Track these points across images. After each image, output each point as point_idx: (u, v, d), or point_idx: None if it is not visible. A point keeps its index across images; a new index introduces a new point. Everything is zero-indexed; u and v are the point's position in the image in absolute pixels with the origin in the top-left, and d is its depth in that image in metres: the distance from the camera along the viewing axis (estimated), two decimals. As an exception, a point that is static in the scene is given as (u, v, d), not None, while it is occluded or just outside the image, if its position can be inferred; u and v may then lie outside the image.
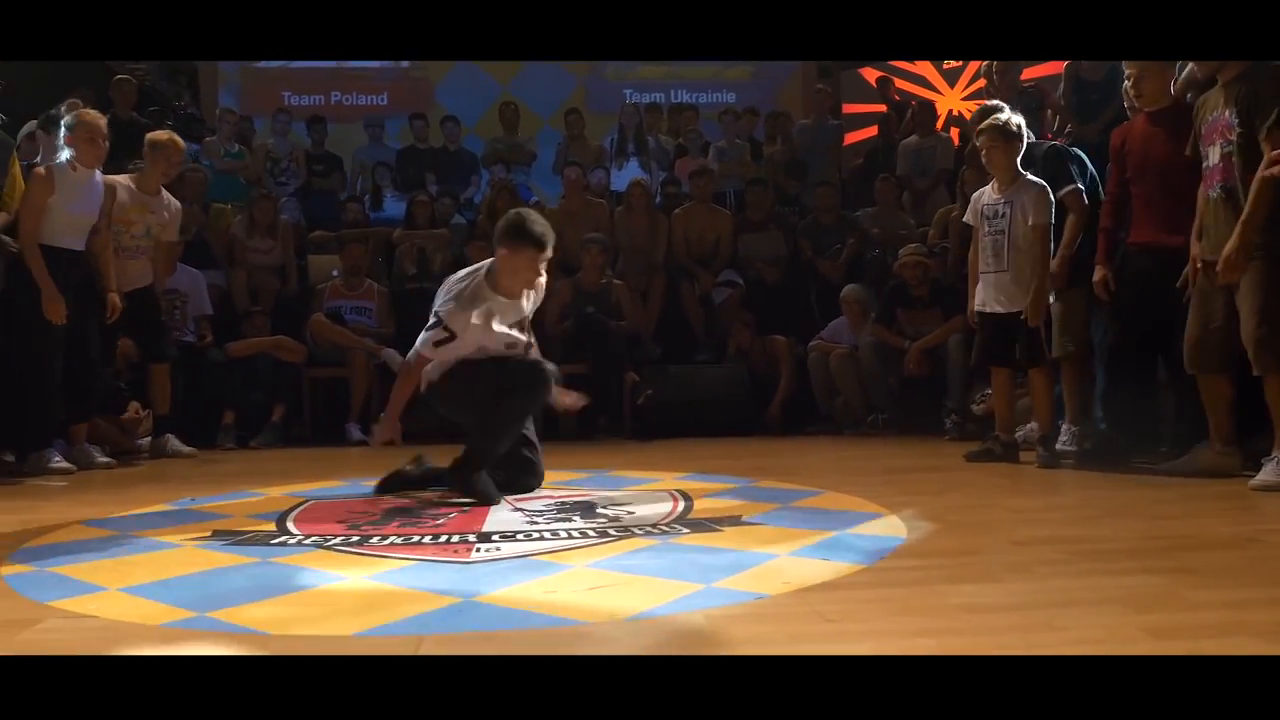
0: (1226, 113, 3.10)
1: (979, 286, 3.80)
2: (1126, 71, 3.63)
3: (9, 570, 2.12)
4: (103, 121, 4.25)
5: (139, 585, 1.95)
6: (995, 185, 3.76)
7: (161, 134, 4.72)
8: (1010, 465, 3.73)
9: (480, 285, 3.17)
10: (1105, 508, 2.79)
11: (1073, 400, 3.85)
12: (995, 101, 4.12)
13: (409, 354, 3.25)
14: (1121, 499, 2.93)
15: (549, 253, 3.22)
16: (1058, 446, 3.76)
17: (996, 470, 3.65)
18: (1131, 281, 3.58)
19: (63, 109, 4.47)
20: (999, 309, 3.71)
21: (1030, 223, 3.61)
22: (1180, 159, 3.34)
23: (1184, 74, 3.58)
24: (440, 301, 3.21)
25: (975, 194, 3.90)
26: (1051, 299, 3.73)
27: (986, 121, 3.77)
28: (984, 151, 3.74)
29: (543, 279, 3.32)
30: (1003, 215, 3.69)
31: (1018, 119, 3.71)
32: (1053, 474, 3.52)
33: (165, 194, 4.67)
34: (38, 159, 4.28)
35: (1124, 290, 3.61)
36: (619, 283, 5.85)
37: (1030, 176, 3.71)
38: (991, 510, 2.77)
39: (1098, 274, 3.62)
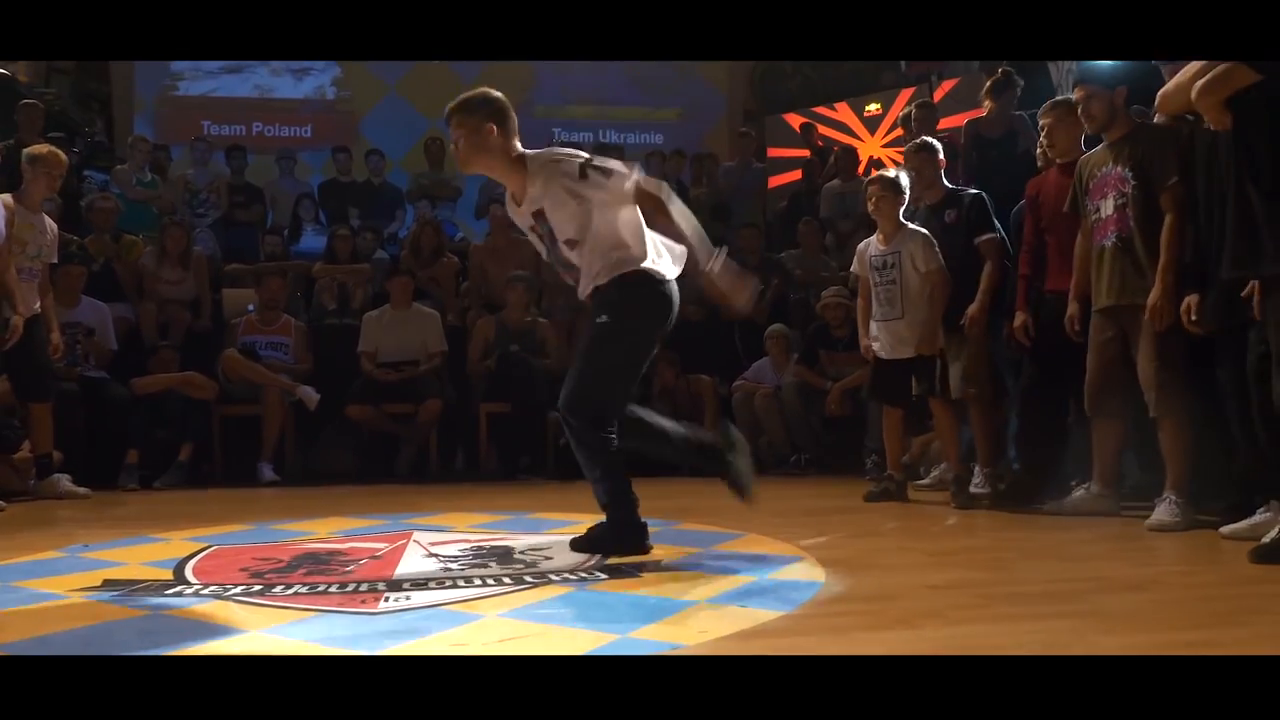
0: (1118, 168, 3.27)
1: (873, 331, 3.98)
2: (1041, 123, 3.77)
3: None
4: None
5: (12, 643, 1.81)
6: (880, 237, 3.95)
7: (40, 147, 4.53)
8: (925, 506, 3.80)
9: None
10: (1017, 549, 2.83)
11: (984, 444, 3.93)
12: (929, 140, 4.24)
13: (632, 180, 2.59)
14: (1033, 540, 2.99)
15: None
16: (972, 489, 3.84)
17: (912, 510, 3.70)
18: (1047, 327, 3.68)
19: None
20: (894, 354, 3.88)
21: (923, 270, 3.81)
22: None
23: None
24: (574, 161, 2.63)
25: (860, 246, 4.10)
26: (958, 342, 3.87)
27: (878, 173, 4.02)
28: (873, 201, 3.92)
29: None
30: (892, 265, 3.88)
31: (905, 176, 3.94)
32: (968, 516, 3.57)
33: (43, 214, 4.49)
34: None
35: (1040, 335, 3.71)
36: (543, 320, 5.81)
37: (912, 226, 3.91)
38: (908, 553, 2.80)
39: (1018, 319, 3.72)
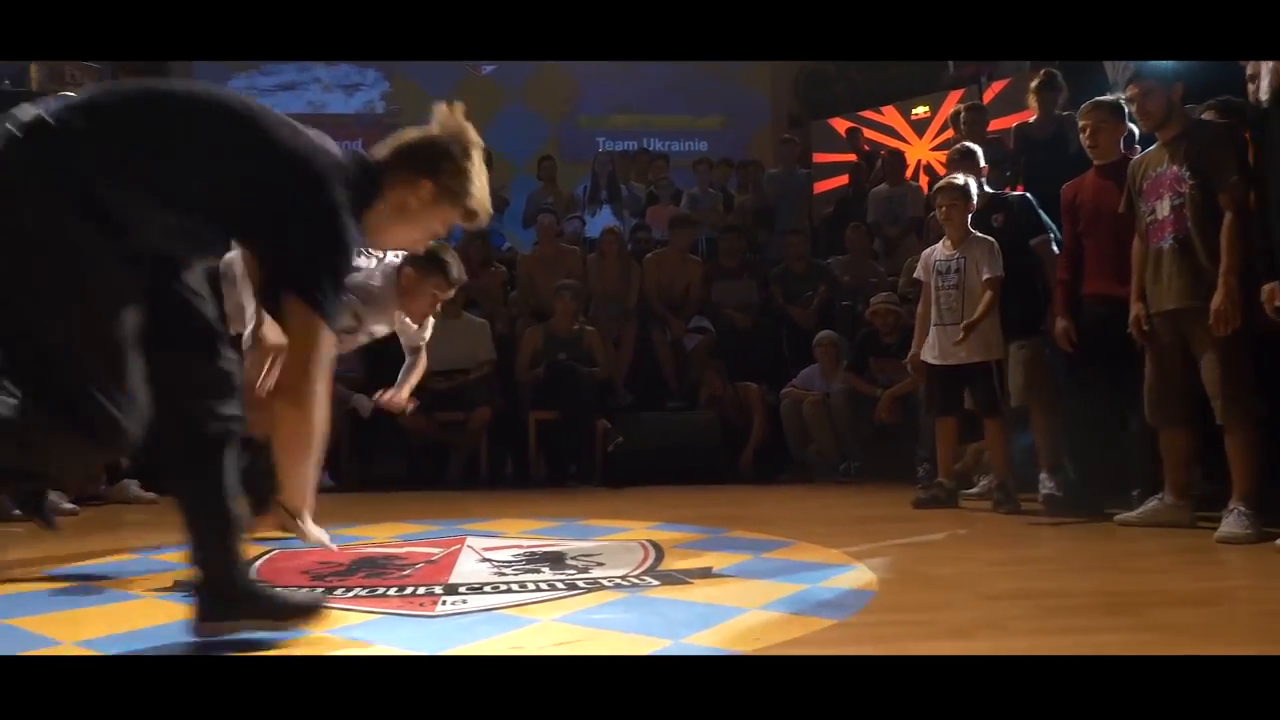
0: (1174, 168, 3.19)
1: (930, 337, 3.98)
2: (1081, 124, 3.72)
3: (-43, 625, 2.05)
4: None
5: (94, 639, 1.90)
6: (947, 242, 3.99)
7: None
8: (980, 515, 3.76)
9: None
10: (1076, 560, 2.80)
11: (1047, 447, 3.87)
12: (969, 146, 4.24)
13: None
14: (1091, 551, 2.94)
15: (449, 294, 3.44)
16: (1042, 493, 3.78)
17: (967, 519, 3.67)
18: (1087, 331, 3.64)
19: None
20: (947, 359, 3.89)
21: (984, 276, 3.83)
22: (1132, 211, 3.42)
23: None
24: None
25: (925, 251, 4.13)
26: (1015, 348, 3.87)
27: (944, 181, 4.01)
28: (943, 209, 3.95)
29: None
30: (956, 270, 3.91)
31: (973, 181, 3.94)
32: (1024, 524, 3.53)
33: None
34: None
35: (1081, 340, 3.66)
36: (591, 329, 5.85)
37: (978, 234, 3.92)
38: (963, 562, 2.77)
39: (1059, 325, 3.67)
